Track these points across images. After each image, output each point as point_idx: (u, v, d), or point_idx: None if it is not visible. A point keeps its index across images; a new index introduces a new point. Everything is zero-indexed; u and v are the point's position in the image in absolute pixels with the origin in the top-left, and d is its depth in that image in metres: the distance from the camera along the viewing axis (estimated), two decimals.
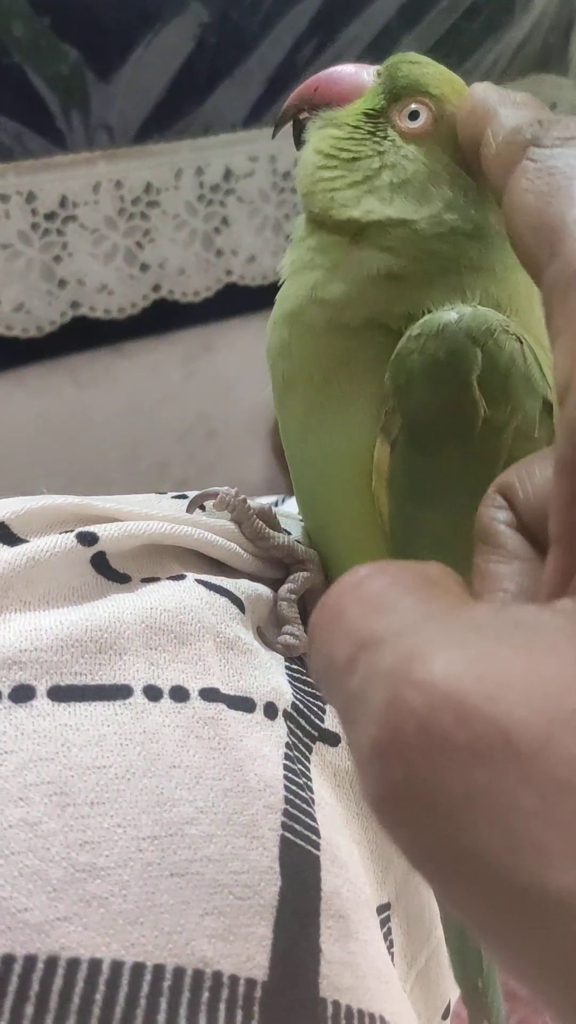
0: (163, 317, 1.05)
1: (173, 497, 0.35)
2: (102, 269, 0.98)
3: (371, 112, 0.27)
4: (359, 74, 0.28)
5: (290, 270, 0.29)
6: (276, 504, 0.44)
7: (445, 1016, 0.32)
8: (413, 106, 0.26)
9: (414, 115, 0.26)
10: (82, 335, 1.01)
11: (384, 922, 0.27)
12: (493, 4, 1.00)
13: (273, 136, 0.31)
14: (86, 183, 0.91)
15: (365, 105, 0.27)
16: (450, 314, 0.25)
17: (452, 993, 0.32)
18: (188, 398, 1.17)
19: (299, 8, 0.89)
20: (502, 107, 0.20)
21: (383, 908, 0.27)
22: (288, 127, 0.30)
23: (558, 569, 0.14)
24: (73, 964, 0.19)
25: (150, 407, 1.15)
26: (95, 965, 0.19)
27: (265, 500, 0.39)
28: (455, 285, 0.26)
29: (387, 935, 0.27)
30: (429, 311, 0.26)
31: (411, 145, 0.26)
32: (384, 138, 0.27)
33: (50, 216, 0.91)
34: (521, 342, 0.25)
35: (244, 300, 1.07)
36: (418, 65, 0.27)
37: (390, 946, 0.27)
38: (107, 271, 0.98)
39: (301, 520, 0.36)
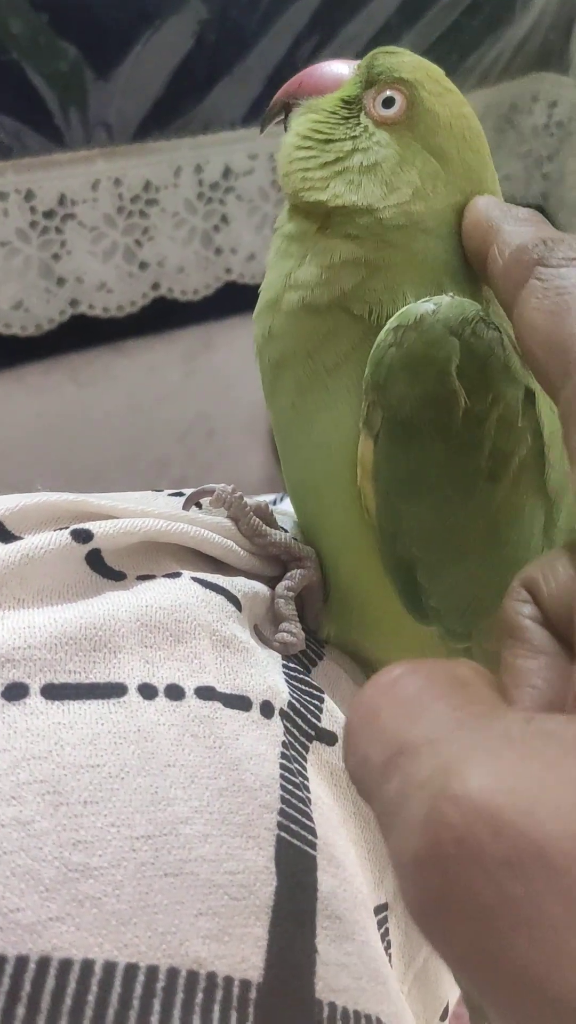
0: (162, 315, 1.05)
1: (170, 495, 0.34)
2: (101, 267, 0.97)
3: (348, 99, 0.28)
4: (341, 68, 0.29)
5: (271, 261, 0.29)
6: (274, 502, 0.44)
7: (443, 1017, 0.32)
8: (388, 92, 0.27)
9: (388, 102, 0.26)
10: (81, 333, 1.01)
11: (382, 923, 0.27)
12: (494, 2, 0.99)
13: (261, 132, 0.31)
14: (85, 181, 0.90)
15: (343, 92, 0.28)
16: (427, 305, 0.25)
17: (451, 994, 0.32)
18: (188, 397, 1.17)
19: (299, 5, 0.89)
20: (506, 223, 0.21)
21: (380, 908, 0.27)
22: (278, 124, 0.30)
23: None
24: (65, 965, 0.19)
25: (149, 406, 1.14)
26: (88, 966, 0.19)
27: (263, 498, 0.39)
28: (420, 279, 0.26)
29: (384, 935, 0.27)
30: (393, 300, 0.26)
31: (384, 131, 0.27)
32: (357, 123, 0.27)
33: (49, 214, 0.91)
34: (499, 330, 0.25)
35: (244, 298, 1.06)
36: (394, 55, 0.27)
37: (388, 947, 0.27)
38: (106, 269, 0.98)
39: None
